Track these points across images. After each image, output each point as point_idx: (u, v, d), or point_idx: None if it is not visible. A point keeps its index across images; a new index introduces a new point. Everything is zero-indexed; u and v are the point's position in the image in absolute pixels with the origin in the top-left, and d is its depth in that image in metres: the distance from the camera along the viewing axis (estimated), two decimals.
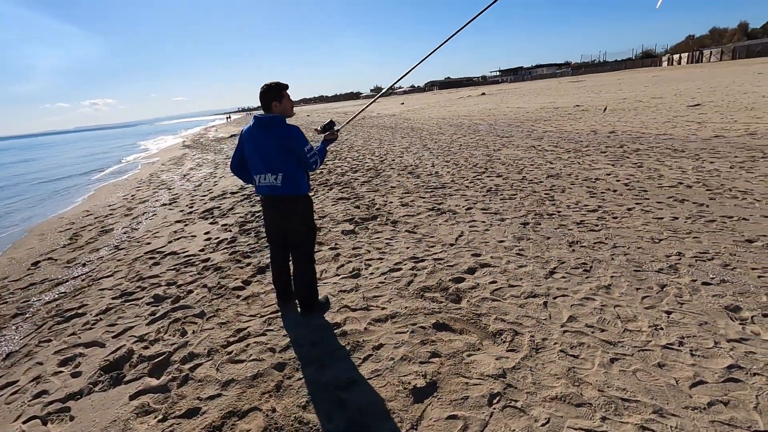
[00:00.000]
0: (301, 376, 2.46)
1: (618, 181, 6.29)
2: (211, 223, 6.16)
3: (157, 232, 6.11)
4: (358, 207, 6.09)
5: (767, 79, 21.45)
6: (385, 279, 3.67)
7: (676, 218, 4.56)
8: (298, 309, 3.23)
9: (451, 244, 4.35)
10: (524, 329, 2.74)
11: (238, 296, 3.62)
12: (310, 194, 7.23)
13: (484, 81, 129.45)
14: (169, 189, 9.85)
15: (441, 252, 4.17)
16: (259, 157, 2.81)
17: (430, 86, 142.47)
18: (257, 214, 6.26)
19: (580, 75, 77.74)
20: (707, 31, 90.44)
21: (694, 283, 3.16)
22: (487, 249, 4.15)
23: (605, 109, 10.44)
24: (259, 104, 2.84)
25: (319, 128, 3.27)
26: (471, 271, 3.69)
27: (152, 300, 3.77)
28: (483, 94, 44.79)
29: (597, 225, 4.57)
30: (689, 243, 3.90)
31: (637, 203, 5.18)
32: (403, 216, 5.47)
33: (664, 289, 3.11)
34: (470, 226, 4.86)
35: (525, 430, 1.94)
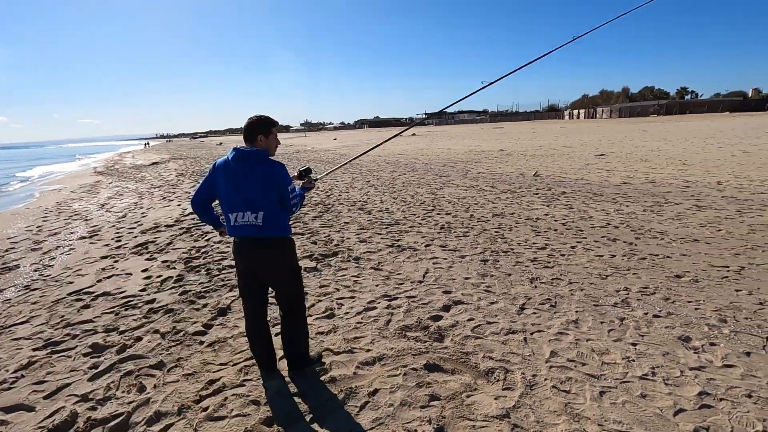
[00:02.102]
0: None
1: (556, 221, 6.87)
2: (148, 260, 5.57)
3: (80, 270, 5.36)
4: (315, 243, 5.92)
5: (651, 135, 25.31)
6: (362, 319, 3.55)
7: (614, 256, 5.06)
8: (282, 369, 2.83)
9: (420, 281, 4.38)
10: (513, 366, 2.80)
11: (201, 342, 3.25)
12: None
13: (411, 122, 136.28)
14: (86, 220, 8.78)
15: (412, 289, 4.16)
16: (237, 193, 2.49)
17: (361, 124, 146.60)
18: (203, 250, 5.80)
19: (498, 122, 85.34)
20: (598, 91, 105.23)
21: (646, 316, 3.49)
22: (455, 286, 4.24)
23: (536, 173, 11.53)
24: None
25: (295, 173, 3.06)
26: (446, 308, 3.72)
27: (90, 350, 3.25)
28: (414, 134, 47.04)
29: (549, 262, 4.91)
30: (631, 279, 4.33)
31: (577, 242, 5.68)
32: (364, 252, 5.41)
33: (624, 322, 3.39)
34: (434, 263, 4.94)
35: None
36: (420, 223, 6.93)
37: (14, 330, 3.74)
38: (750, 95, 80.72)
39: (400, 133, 4.48)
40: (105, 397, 2.63)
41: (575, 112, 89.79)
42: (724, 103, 71.25)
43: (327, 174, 3.96)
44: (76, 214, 9.56)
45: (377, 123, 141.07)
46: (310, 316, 3.62)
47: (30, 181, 21.26)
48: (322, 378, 2.72)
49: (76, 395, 2.67)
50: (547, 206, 8.01)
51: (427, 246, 5.65)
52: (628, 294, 3.95)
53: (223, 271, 4.87)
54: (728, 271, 4.46)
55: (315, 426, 2.29)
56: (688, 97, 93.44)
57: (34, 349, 3.34)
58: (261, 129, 2.59)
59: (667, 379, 2.63)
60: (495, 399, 2.46)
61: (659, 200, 8.20)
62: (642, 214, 7.12)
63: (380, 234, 6.32)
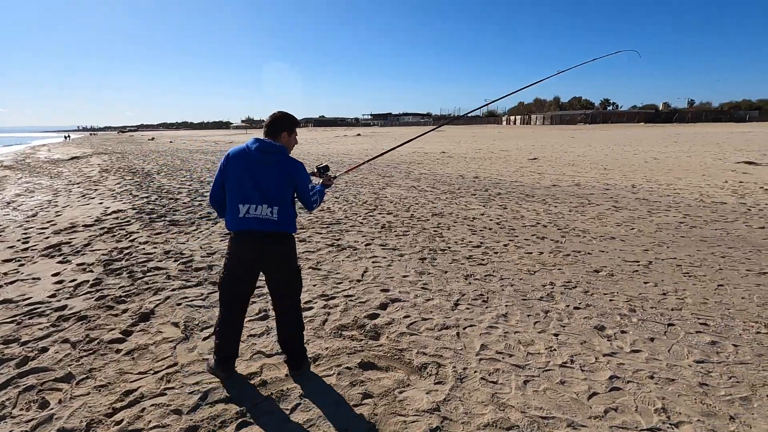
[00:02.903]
0: None
1: (491, 220, 7.18)
2: (60, 263, 5.04)
3: None
4: None
5: (578, 142, 27.34)
6: None
7: (542, 252, 5.38)
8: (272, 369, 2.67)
9: (359, 280, 4.36)
10: (445, 360, 2.87)
11: (118, 351, 2.99)
12: (195, 228, 6.55)
13: (357, 122, 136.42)
14: None
15: (350, 288, 4.14)
16: (254, 185, 2.43)
17: (305, 123, 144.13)
18: (127, 251, 5.36)
19: (441, 126, 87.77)
20: (533, 100, 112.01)
21: (568, 308, 3.74)
22: (393, 284, 4.27)
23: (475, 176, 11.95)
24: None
25: (315, 169, 3.01)
26: (383, 306, 3.74)
27: None
28: (359, 135, 47.07)
29: (483, 259, 5.11)
30: (556, 274, 4.63)
31: (510, 240, 5.97)
32: (303, 252, 5.30)
33: (548, 315, 3.61)
34: (373, 262, 4.96)
35: None
36: (361, 223, 6.93)
37: None
38: (661, 108, 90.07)
39: (422, 135, 4.44)
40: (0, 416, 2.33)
41: (512, 118, 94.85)
42: (640, 114, 78.86)
43: (345, 173, 3.87)
44: None
45: (322, 122, 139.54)
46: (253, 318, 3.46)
47: None
48: (252, 382, 2.61)
49: None
50: (483, 206, 8.35)
51: (367, 245, 5.65)
52: (553, 288, 4.21)
53: (148, 274, 4.53)
54: (638, 265, 4.91)
55: None
56: (610, 108, 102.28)
57: None
58: (287, 126, 2.61)
59: (584, 365, 2.83)
60: (427, 393, 2.51)
61: (583, 201, 8.86)
62: (568, 214, 7.65)
63: (320, 233, 6.23)
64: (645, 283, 4.36)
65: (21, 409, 2.39)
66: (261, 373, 2.71)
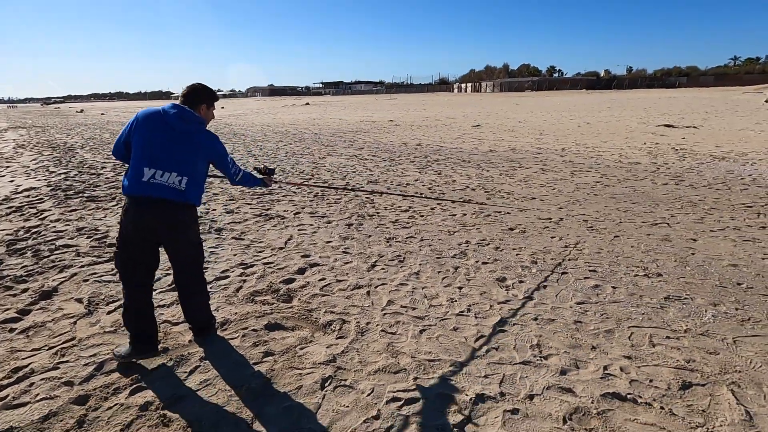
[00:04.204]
0: (112, 405, 2.15)
1: (423, 185, 7.37)
2: None
3: None
4: None
5: (522, 108, 28.17)
6: (210, 288, 3.46)
7: (465, 215, 5.64)
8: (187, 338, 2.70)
9: (281, 248, 4.40)
10: (351, 317, 3.01)
11: (12, 329, 2.88)
12: (116, 203, 6.23)
13: (308, 92, 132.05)
14: None
15: (271, 256, 4.17)
16: (166, 150, 2.30)
17: (253, 92, 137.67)
18: (35, 230, 5.03)
19: (393, 94, 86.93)
20: (483, 67, 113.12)
21: (477, 264, 3.99)
22: (315, 250, 4.35)
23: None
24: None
25: (261, 167, 2.99)
26: (301, 271, 3.82)
27: None
28: (307, 104, 45.72)
29: (408, 223, 5.28)
30: (474, 233, 4.89)
31: (437, 203, 6.19)
32: (228, 223, 5.23)
33: (457, 270, 3.84)
34: (299, 230, 4.99)
35: (354, 403, 2.17)
36: (294, 192, 6.88)
37: None
38: (602, 75, 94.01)
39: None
40: None
41: (463, 85, 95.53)
42: (582, 81, 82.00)
43: (290, 183, 3.78)
44: None
45: (272, 92, 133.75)
46: (154, 290, 3.41)
47: None
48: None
49: None
50: (419, 173, 8.52)
51: (296, 214, 5.65)
52: (468, 246, 4.46)
53: (55, 252, 4.30)
54: (550, 222, 5.28)
55: (136, 397, 2.22)
56: (556, 75, 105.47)
57: None
58: (207, 99, 2.55)
59: (478, 313, 3.08)
60: (327, 348, 2.64)
61: (515, 165, 9.26)
62: (498, 178, 7.99)
63: (250, 204, 6.15)
64: (552, 237, 4.71)
65: None
66: (164, 340, 2.72)
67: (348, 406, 2.15)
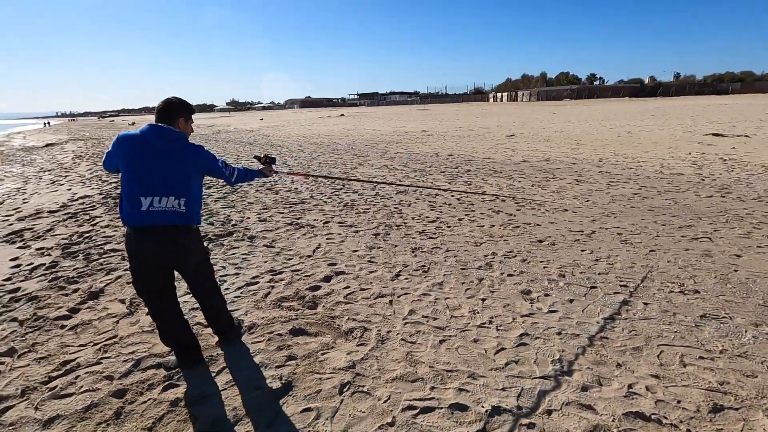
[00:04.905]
0: (146, 399, 2.32)
1: (452, 195, 7.36)
2: (20, 248, 5.13)
3: None
4: (212, 224, 5.82)
5: (558, 118, 27.50)
6: (241, 293, 3.64)
7: (493, 226, 5.59)
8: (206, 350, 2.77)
9: (309, 256, 4.53)
10: (372, 325, 3.07)
11: (63, 326, 3.14)
12: None
13: (343, 103, 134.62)
14: None
15: (299, 264, 4.31)
16: (157, 175, 2.23)
17: (291, 104, 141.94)
18: (87, 235, 5.45)
19: (427, 104, 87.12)
20: (520, 76, 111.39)
21: (502, 276, 3.95)
22: (342, 258, 4.45)
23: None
24: (155, 116, 2.39)
25: (261, 155, 3.04)
26: (327, 279, 3.92)
27: None
28: (342, 115, 46.62)
29: (435, 233, 5.30)
30: (501, 245, 4.84)
31: (465, 214, 6.16)
32: (261, 231, 5.44)
33: (482, 282, 3.82)
34: (327, 239, 5.12)
35: (370, 410, 2.22)
36: (325, 202, 7.06)
37: None
38: (647, 82, 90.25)
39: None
40: None
41: (499, 95, 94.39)
42: (625, 88, 78.95)
43: (287, 173, 3.97)
44: None
45: (308, 103, 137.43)
46: (187, 293, 3.62)
47: None
48: None
49: None
50: (449, 183, 8.52)
51: (325, 223, 5.80)
52: (494, 258, 4.42)
53: (104, 255, 4.64)
54: (582, 235, 5.15)
55: (168, 393, 2.37)
56: (596, 82, 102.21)
57: None
58: (184, 112, 2.45)
59: (500, 326, 3.06)
60: (347, 354, 2.71)
61: (548, 176, 9.07)
62: (529, 189, 7.86)
63: (282, 213, 6.36)
64: (582, 250, 4.59)
65: None
66: None
67: (364, 412, 2.20)
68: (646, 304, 3.34)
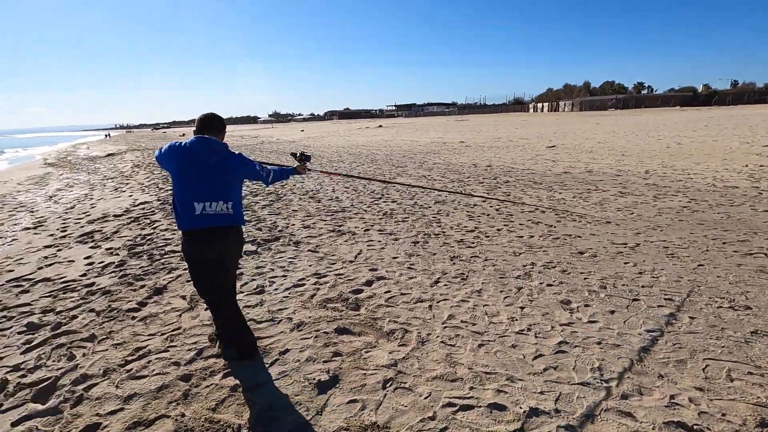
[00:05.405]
0: (209, 384, 2.57)
1: (491, 206, 7.40)
2: (92, 248, 5.67)
3: (21, 259, 5.41)
4: (260, 229, 6.18)
5: (602, 128, 26.65)
6: (289, 294, 3.88)
7: (533, 236, 5.59)
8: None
9: (351, 261, 4.74)
10: (413, 328, 3.21)
11: (134, 317, 3.50)
12: None
13: (381, 114, 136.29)
14: (32, 212, 8.64)
15: (342, 268, 4.52)
16: (206, 183, 2.48)
17: (330, 115, 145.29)
18: (149, 237, 5.94)
19: (465, 114, 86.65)
20: (562, 85, 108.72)
21: (541, 285, 3.98)
22: (383, 264, 4.62)
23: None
24: (196, 129, 2.62)
25: (297, 153, 3.26)
26: (369, 283, 4.10)
27: (25, 329, 3.43)
28: (380, 126, 47.30)
29: (473, 242, 5.38)
30: (540, 255, 4.85)
31: (504, 225, 6.19)
32: (305, 237, 5.72)
33: (520, 290, 3.87)
34: (368, 245, 5.32)
35: (412, 404, 2.35)
36: (365, 210, 7.30)
37: None
38: (700, 90, 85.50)
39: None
40: (36, 366, 2.86)
41: (539, 105, 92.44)
42: (676, 97, 75.14)
43: (320, 172, 4.37)
44: (21, 206, 9.35)
45: (347, 114, 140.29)
46: (241, 292, 3.91)
47: None
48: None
49: (8, 366, 2.87)
50: (487, 193, 8.54)
51: (366, 231, 6.01)
52: (533, 268, 4.45)
53: (165, 256, 5.07)
54: (625, 247, 5.06)
55: (227, 379, 2.61)
56: (645, 91, 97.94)
57: None
58: (222, 125, 2.72)
59: (539, 333, 3.11)
60: (389, 353, 2.86)
61: (590, 188, 8.89)
62: (570, 200, 7.75)
63: (324, 220, 6.64)
64: (625, 263, 4.53)
65: (53, 361, 2.91)
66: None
67: (406, 406, 2.34)
68: (692, 318, 3.27)
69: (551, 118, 48.08)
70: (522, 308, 3.52)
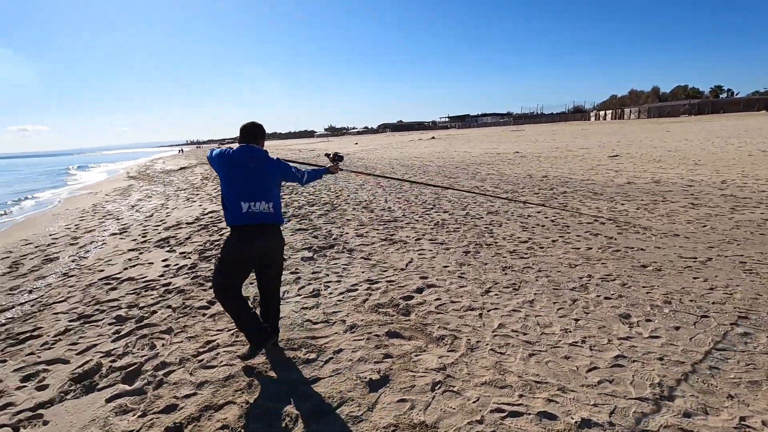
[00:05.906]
0: (271, 377, 2.78)
1: (546, 217, 7.20)
2: (168, 251, 6.25)
3: (110, 260, 6.09)
4: (316, 237, 6.48)
5: (673, 136, 24.82)
6: (342, 298, 4.06)
7: (590, 248, 5.39)
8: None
9: (402, 269, 4.85)
10: (462, 335, 3.24)
11: (204, 314, 3.84)
12: None
13: (434, 126, 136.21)
14: (117, 219, 9.66)
15: (393, 275, 4.65)
16: (253, 185, 2.83)
17: (383, 128, 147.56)
18: (217, 243, 6.45)
19: (521, 125, 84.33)
20: (627, 92, 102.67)
21: (598, 298, 3.85)
22: (433, 273, 4.69)
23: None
24: (240, 137, 2.98)
25: (331, 154, 3.60)
26: (419, 290, 4.19)
27: (114, 321, 3.89)
28: (433, 138, 47.35)
29: (527, 254, 5.28)
30: (598, 268, 4.67)
31: (560, 236, 6.01)
32: (358, 245, 5.93)
33: (575, 303, 3.77)
34: (419, 254, 5.41)
35: (460, 407, 2.40)
36: (417, 220, 7.40)
37: (54, 307, 4.44)
38: None
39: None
40: (124, 352, 3.24)
41: (602, 113, 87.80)
42: (761, 101, 68.16)
43: (353, 172, 4.60)
44: (109, 215, 10.49)
45: (400, 127, 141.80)
46: (299, 295, 4.16)
47: (71, 185, 22.93)
48: (298, 341, 3.24)
49: (102, 352, 3.29)
50: (542, 205, 8.31)
51: (417, 240, 6.11)
52: (590, 280, 4.30)
53: None
54: (694, 261, 4.73)
55: (286, 373, 2.81)
56: (723, 95, 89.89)
57: (70, 321, 4.00)
58: (262, 134, 3.08)
59: (594, 345, 3.02)
60: (438, 358, 2.92)
61: (657, 199, 8.37)
62: (634, 212, 7.35)
63: (377, 230, 6.83)
64: (694, 278, 4.24)
65: (138, 349, 3.28)
66: (308, 337, 3.32)
67: (454, 409, 2.39)
68: None
69: (614, 127, 45.50)
70: (576, 320, 3.43)
